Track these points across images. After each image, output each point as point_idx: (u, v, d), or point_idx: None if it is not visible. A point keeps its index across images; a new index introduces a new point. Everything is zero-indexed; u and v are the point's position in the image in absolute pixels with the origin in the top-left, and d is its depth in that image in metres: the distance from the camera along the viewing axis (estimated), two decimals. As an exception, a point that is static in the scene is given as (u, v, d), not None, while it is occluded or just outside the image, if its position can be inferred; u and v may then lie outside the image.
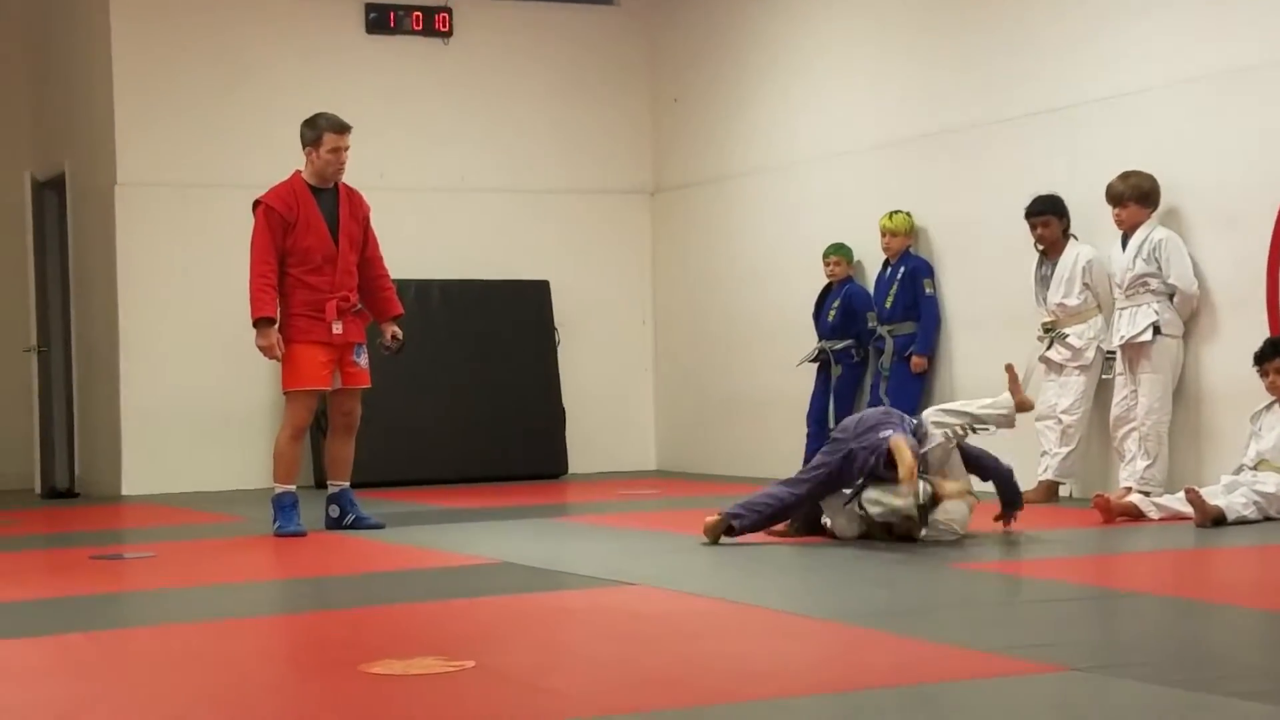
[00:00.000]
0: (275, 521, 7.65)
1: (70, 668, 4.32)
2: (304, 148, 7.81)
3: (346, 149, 7.76)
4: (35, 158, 11.91)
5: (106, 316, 10.78)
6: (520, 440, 11.17)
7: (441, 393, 11.06)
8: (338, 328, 7.62)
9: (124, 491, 10.49)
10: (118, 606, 5.60)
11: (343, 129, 7.74)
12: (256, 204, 7.76)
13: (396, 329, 7.94)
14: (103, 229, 10.83)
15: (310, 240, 7.63)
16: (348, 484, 7.85)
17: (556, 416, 11.37)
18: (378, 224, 11.18)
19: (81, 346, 11.33)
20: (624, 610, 5.04)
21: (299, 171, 7.84)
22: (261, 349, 7.58)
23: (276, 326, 7.57)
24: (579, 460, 11.43)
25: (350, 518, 7.76)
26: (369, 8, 11.28)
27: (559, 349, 11.48)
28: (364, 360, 7.79)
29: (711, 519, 6.55)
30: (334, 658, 4.28)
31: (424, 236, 11.31)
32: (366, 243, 7.88)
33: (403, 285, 11.10)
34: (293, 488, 7.66)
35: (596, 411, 11.64)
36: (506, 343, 11.28)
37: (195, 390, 10.56)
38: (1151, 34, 8.08)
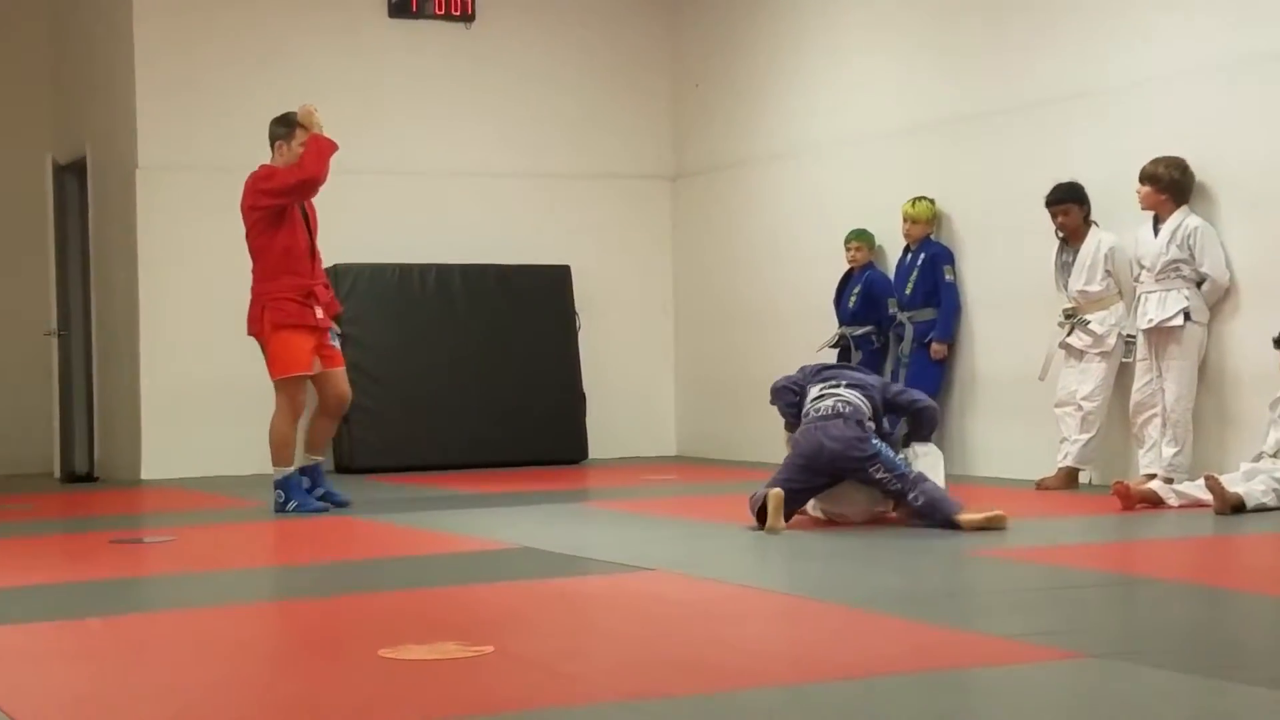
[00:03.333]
0: (290, 503, 7.80)
1: (89, 652, 4.34)
2: (274, 143, 8.06)
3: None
4: (56, 141, 11.94)
5: (127, 300, 10.81)
6: (541, 425, 11.18)
7: (462, 377, 11.07)
8: (319, 313, 7.89)
9: (143, 476, 10.53)
10: (137, 591, 5.62)
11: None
12: (264, 172, 7.96)
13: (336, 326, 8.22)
14: (123, 212, 10.85)
15: (296, 228, 7.90)
16: (320, 459, 8.11)
17: (577, 402, 11.37)
18: (402, 208, 11.32)
19: (102, 330, 11.36)
20: (644, 595, 5.05)
21: (268, 166, 8.06)
22: (319, 124, 7.85)
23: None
24: (599, 445, 11.43)
25: (320, 490, 8.00)
26: (391, -8, 11.28)
27: (580, 334, 11.48)
28: (337, 343, 8.07)
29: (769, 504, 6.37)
30: (354, 642, 4.29)
31: (445, 221, 11.32)
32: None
33: (424, 270, 11.20)
34: (295, 468, 7.90)
35: (617, 397, 11.64)
36: (527, 328, 11.29)
37: (215, 374, 10.58)
38: (1174, 19, 8.04)
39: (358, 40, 11.20)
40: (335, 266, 10.95)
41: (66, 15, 12.05)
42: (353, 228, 11.07)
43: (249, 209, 7.98)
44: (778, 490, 6.38)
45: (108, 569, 6.08)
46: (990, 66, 9.15)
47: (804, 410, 6.73)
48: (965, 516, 6.31)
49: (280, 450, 7.85)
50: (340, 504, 7.96)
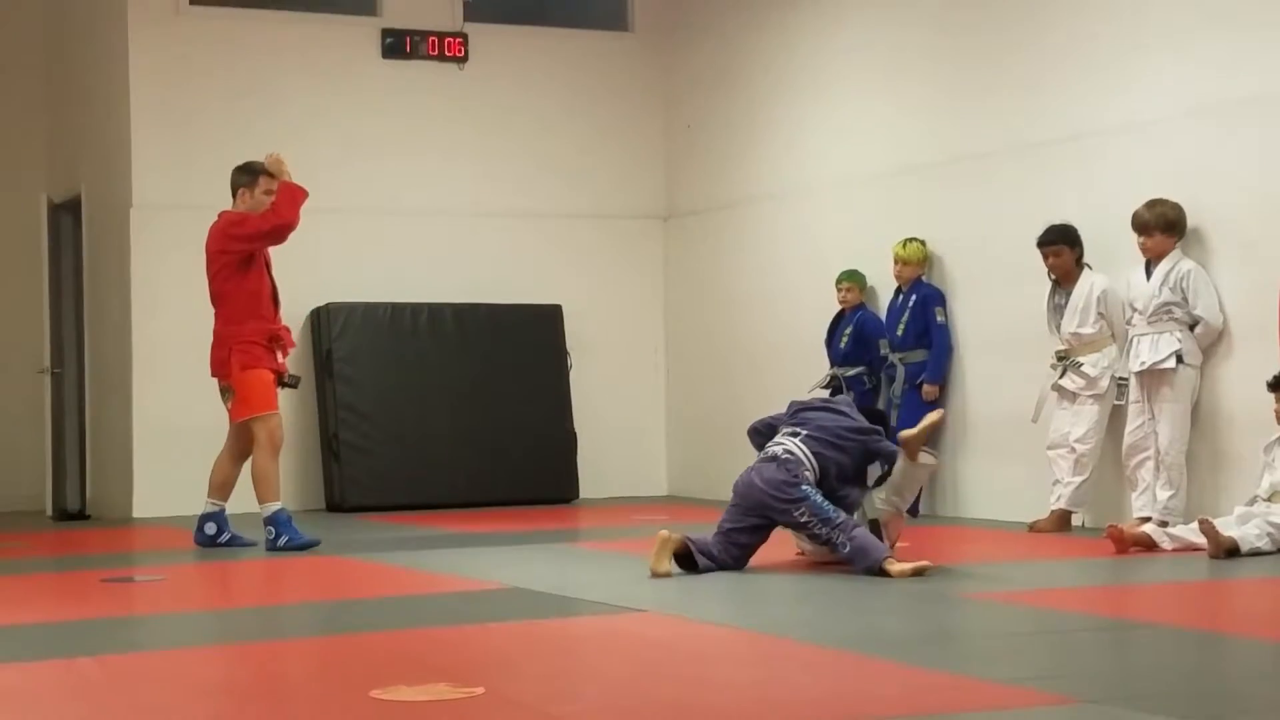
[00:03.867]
0: (281, 538, 7.89)
1: (79, 692, 4.32)
2: (237, 190, 8.28)
3: (275, 191, 8.22)
4: (51, 180, 11.96)
5: (120, 338, 10.80)
6: (531, 465, 11.17)
7: (453, 416, 11.06)
8: (280, 356, 8.15)
9: (135, 514, 10.49)
10: (128, 630, 5.60)
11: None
12: (233, 218, 8.18)
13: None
14: (117, 251, 10.86)
15: (263, 273, 8.14)
16: (224, 505, 8.25)
17: (568, 441, 11.36)
18: (394, 247, 11.33)
19: (95, 368, 11.35)
20: (635, 636, 5.04)
21: (230, 213, 8.29)
22: (285, 172, 8.09)
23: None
24: (590, 485, 11.42)
25: (225, 536, 8.15)
26: (385, 33, 11.33)
27: (571, 374, 11.49)
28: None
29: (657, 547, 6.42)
30: (345, 683, 4.27)
31: (438, 260, 11.34)
32: None
33: (416, 309, 11.21)
34: (282, 504, 8.05)
35: (608, 436, 11.63)
36: (518, 367, 11.29)
37: (207, 413, 10.49)
38: (1166, 63, 8.09)
39: (352, 81, 11.25)
40: (327, 305, 10.98)
41: (62, 54, 12.09)
42: (345, 266, 11.10)
43: (218, 253, 8.17)
44: (665, 533, 6.44)
45: (99, 608, 6.06)
46: (982, 109, 9.20)
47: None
48: (895, 566, 6.27)
49: (264, 485, 8.02)
50: (247, 544, 8.12)
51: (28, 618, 5.74)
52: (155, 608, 6.33)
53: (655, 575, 6.33)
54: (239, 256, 8.06)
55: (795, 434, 6.70)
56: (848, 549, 6.37)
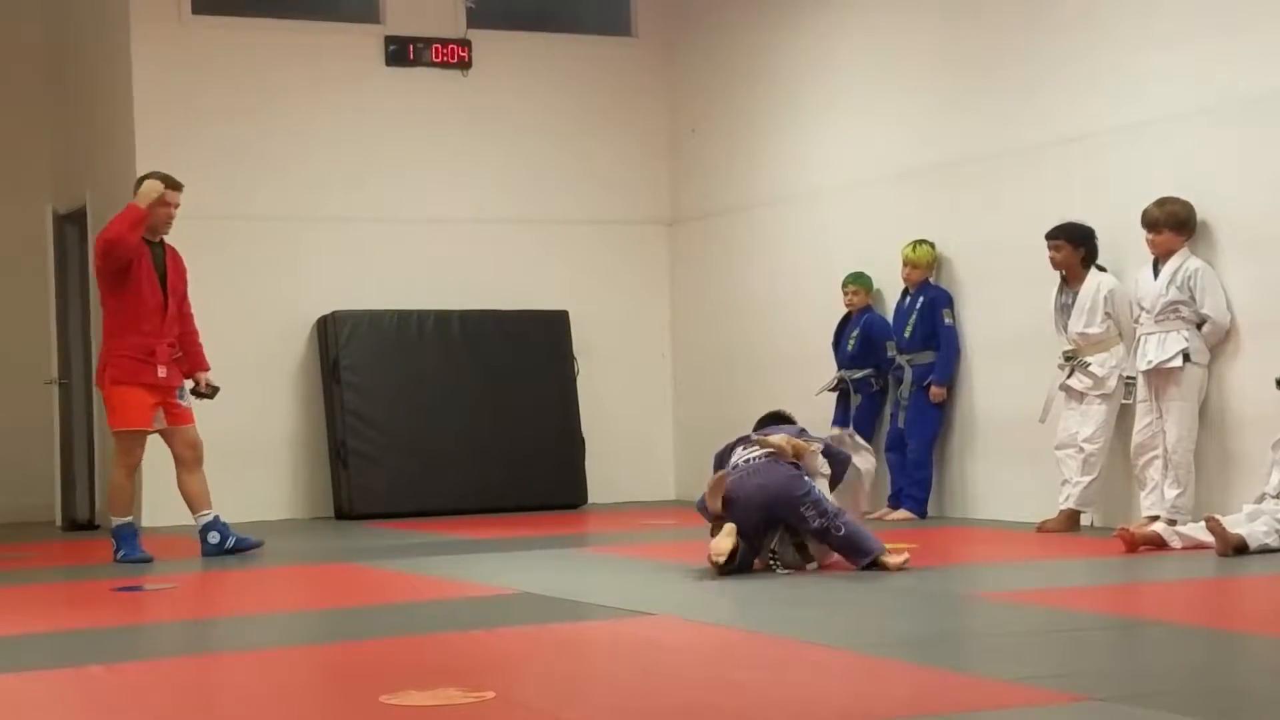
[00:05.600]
0: (119, 551, 8.07)
1: (90, 700, 4.33)
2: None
3: (177, 205, 8.28)
4: (56, 191, 11.98)
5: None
6: (539, 470, 11.17)
7: (461, 423, 11.07)
8: (163, 371, 8.15)
9: (145, 523, 10.48)
10: (138, 639, 5.60)
11: (176, 186, 8.28)
12: (99, 240, 8.23)
13: (210, 378, 8.51)
14: (124, 261, 10.86)
15: (143, 287, 8.12)
16: (213, 511, 8.29)
17: (575, 447, 11.37)
18: (400, 254, 11.35)
19: (102, 378, 11.36)
20: (644, 641, 5.04)
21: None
22: (145, 193, 8.07)
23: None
24: (598, 490, 11.42)
25: (230, 540, 8.22)
26: (389, 40, 11.35)
27: (578, 379, 11.49)
28: (186, 401, 8.33)
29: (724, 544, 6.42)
30: (355, 689, 4.27)
31: (443, 267, 11.35)
32: (184, 298, 8.39)
33: (422, 315, 11.23)
34: (130, 519, 8.19)
35: (615, 442, 11.64)
36: (525, 373, 11.30)
37: (214, 422, 10.51)
38: (1174, 61, 8.08)
39: (356, 89, 11.27)
40: (334, 313, 10.99)
41: (66, 65, 12.12)
42: (351, 274, 11.12)
43: (95, 269, 8.33)
44: (732, 525, 6.41)
45: (109, 617, 6.07)
46: (989, 110, 9.19)
47: (732, 464, 6.72)
48: (891, 560, 6.39)
49: (115, 499, 8.22)
50: (253, 547, 8.21)
51: (39, 627, 5.76)
52: (165, 616, 6.34)
53: (715, 555, 6.31)
54: (108, 271, 8.13)
55: (757, 442, 6.72)
56: (842, 532, 6.43)
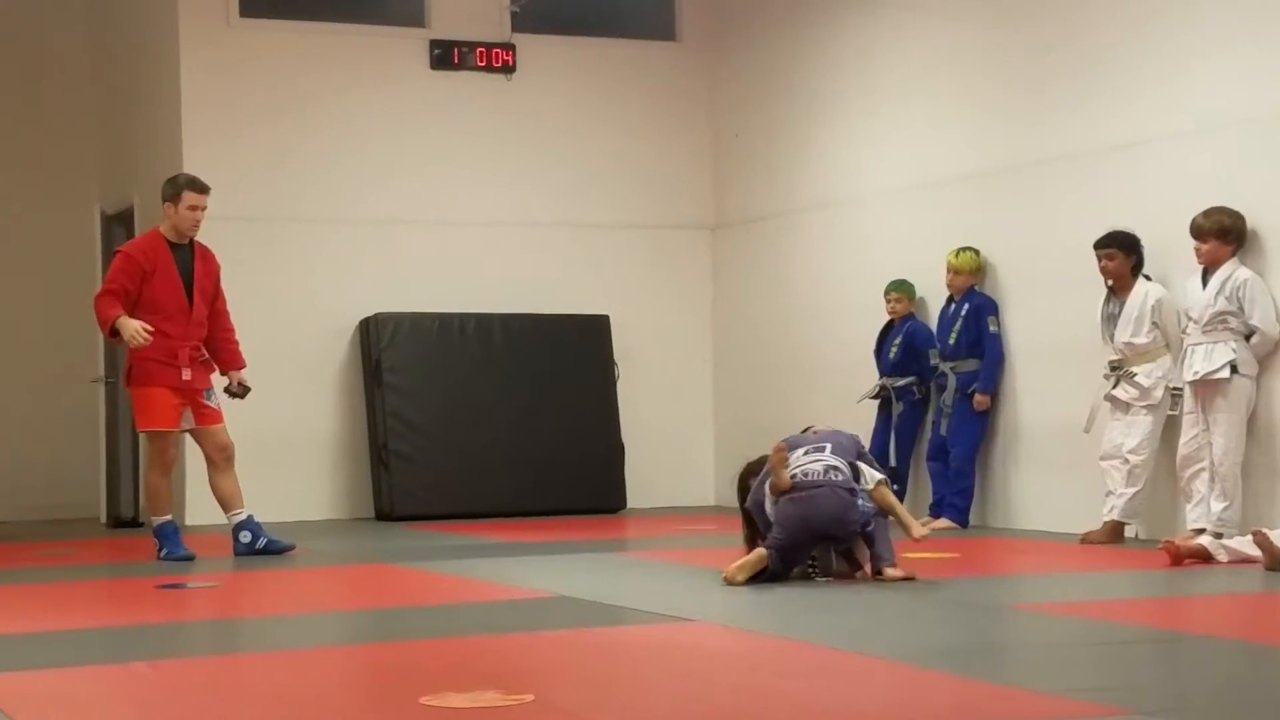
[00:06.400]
0: (162, 550, 8.10)
1: (133, 697, 4.36)
2: (163, 203, 8.32)
3: (204, 209, 8.28)
4: (104, 192, 12.07)
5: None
6: (579, 475, 11.17)
7: (501, 426, 11.09)
8: (187, 374, 8.16)
9: (188, 521, 10.55)
10: (181, 636, 5.64)
11: (202, 189, 8.29)
12: (115, 252, 8.32)
13: (242, 377, 8.47)
14: (170, 261, 10.93)
15: (164, 291, 8.15)
16: (246, 511, 8.30)
17: (615, 451, 11.37)
18: (443, 258, 11.39)
19: (147, 377, 11.43)
20: (683, 646, 5.03)
21: (158, 227, 8.38)
22: (132, 334, 7.98)
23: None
24: (637, 495, 11.42)
25: (262, 541, 8.22)
26: (434, 44, 11.39)
27: (618, 384, 11.49)
28: (214, 401, 8.33)
29: (745, 560, 6.37)
30: (394, 689, 4.28)
31: (485, 271, 11.38)
32: (216, 297, 8.42)
33: (464, 319, 11.25)
34: (170, 517, 8.22)
35: (655, 447, 11.63)
36: (566, 377, 11.31)
37: (258, 422, 10.60)
38: (1222, 68, 8.02)
39: (400, 92, 11.31)
40: (376, 315, 11.03)
41: (114, 67, 12.21)
42: (394, 277, 11.16)
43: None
44: (762, 551, 6.34)
45: (153, 614, 6.10)
46: (1034, 117, 9.14)
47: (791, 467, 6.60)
48: (891, 571, 6.35)
49: (152, 500, 8.27)
50: (284, 549, 8.21)
51: (83, 623, 5.80)
52: (208, 614, 6.37)
53: (729, 583, 6.31)
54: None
55: (821, 449, 6.59)
56: (870, 528, 6.42)
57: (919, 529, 6.63)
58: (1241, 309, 7.59)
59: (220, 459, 8.32)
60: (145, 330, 7.96)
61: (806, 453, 6.57)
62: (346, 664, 4.92)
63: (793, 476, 6.46)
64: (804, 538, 6.42)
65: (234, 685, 4.49)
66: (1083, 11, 8.86)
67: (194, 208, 8.22)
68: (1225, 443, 7.60)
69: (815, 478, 6.42)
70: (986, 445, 9.34)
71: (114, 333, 8.11)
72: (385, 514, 10.78)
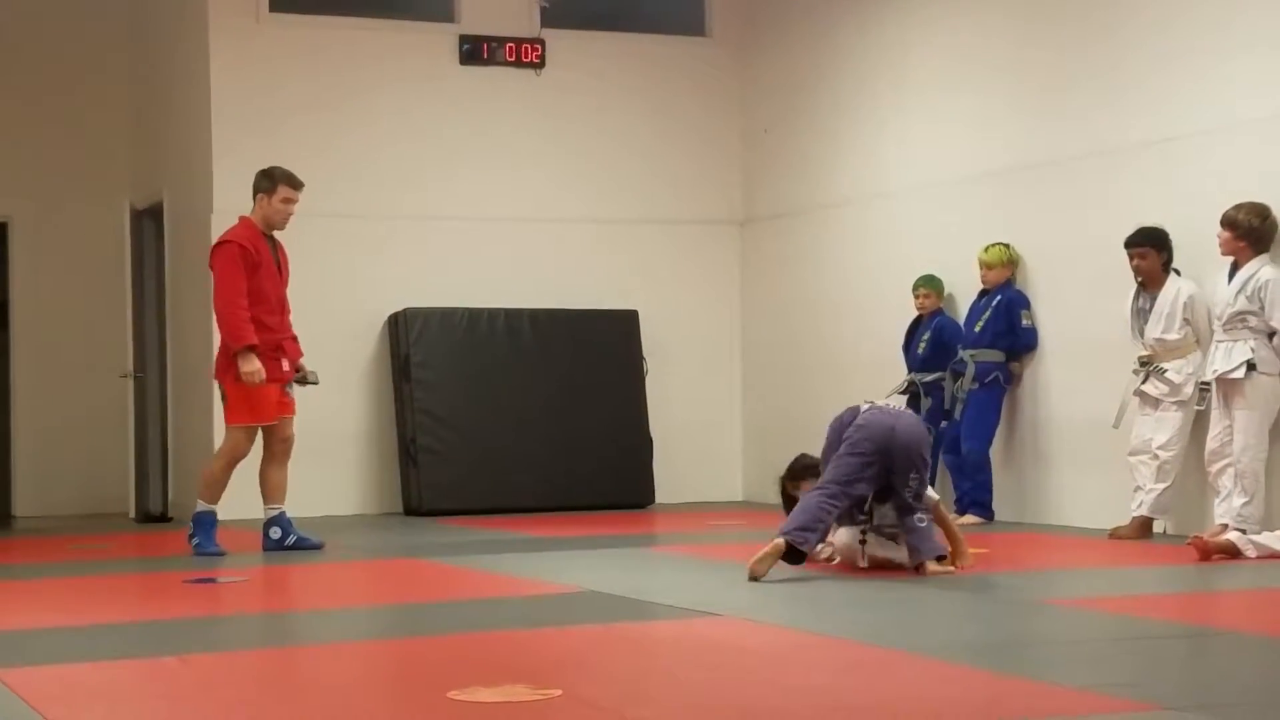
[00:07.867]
0: (194, 537, 8.09)
1: (163, 691, 4.38)
2: (256, 194, 8.32)
3: (296, 203, 8.29)
4: (135, 187, 12.14)
5: (201, 343, 10.92)
6: (607, 470, 11.18)
7: (530, 421, 11.11)
8: (286, 365, 8.22)
9: (219, 515, 10.60)
10: (211, 630, 5.67)
11: (298, 185, 8.30)
12: (220, 244, 8.24)
13: (306, 365, 8.48)
14: (199, 257, 10.93)
15: (267, 283, 8.18)
16: (282, 507, 8.30)
17: (644, 446, 11.37)
18: (472, 252, 11.41)
19: (176, 372, 11.49)
20: (712, 641, 5.03)
21: (247, 217, 8.34)
22: (247, 374, 7.97)
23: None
24: (666, 490, 11.42)
25: (291, 539, 8.22)
26: (463, 39, 11.41)
27: (647, 379, 11.50)
28: (293, 391, 8.37)
29: (764, 551, 6.38)
30: (423, 684, 4.30)
31: (515, 265, 11.39)
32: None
33: (493, 314, 11.27)
34: (214, 509, 8.22)
35: (684, 442, 11.63)
36: (595, 372, 11.32)
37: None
38: (1254, 64, 7.97)
39: (430, 87, 11.33)
40: (405, 310, 11.06)
41: (145, 62, 12.27)
42: (423, 272, 11.18)
43: (211, 265, 8.27)
44: (780, 542, 6.35)
45: (183, 608, 6.14)
46: (1065, 113, 9.10)
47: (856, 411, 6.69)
48: (935, 565, 6.42)
49: (209, 487, 8.22)
50: (313, 547, 8.20)
51: (113, 617, 5.84)
52: (238, 608, 6.41)
53: (754, 578, 6.31)
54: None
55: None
56: (924, 524, 6.44)
57: (968, 559, 6.65)
58: (1262, 308, 7.55)
59: (281, 450, 8.33)
60: (261, 374, 7.98)
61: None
62: (374, 659, 4.94)
63: (867, 406, 6.69)
64: (883, 446, 6.43)
65: (263, 680, 4.51)
66: (1113, 8, 8.82)
67: (288, 201, 8.23)
68: (1244, 440, 7.56)
69: (890, 407, 6.75)
70: (1016, 440, 9.32)
71: (234, 351, 8.00)
72: (414, 509, 10.81)
